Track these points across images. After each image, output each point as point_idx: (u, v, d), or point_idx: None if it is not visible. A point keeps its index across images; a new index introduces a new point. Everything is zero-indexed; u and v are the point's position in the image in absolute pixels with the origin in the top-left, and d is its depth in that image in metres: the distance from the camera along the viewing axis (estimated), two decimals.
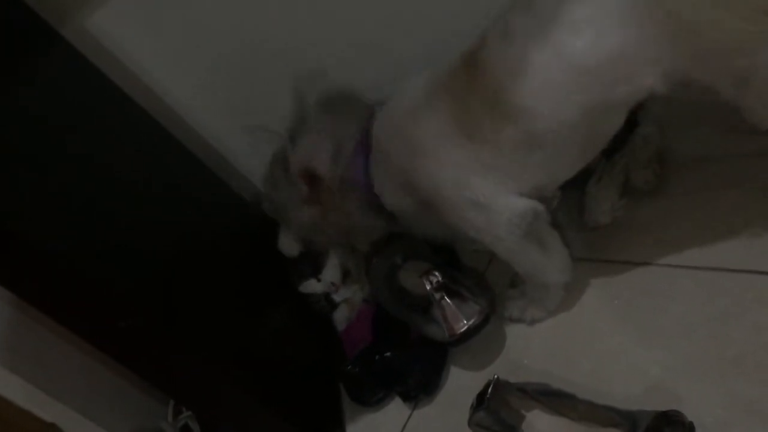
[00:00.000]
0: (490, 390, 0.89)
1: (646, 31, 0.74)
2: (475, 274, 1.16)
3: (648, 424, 0.74)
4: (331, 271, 1.26)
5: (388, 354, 1.08)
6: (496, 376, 0.90)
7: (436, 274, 1.03)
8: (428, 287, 1.02)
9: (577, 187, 1.07)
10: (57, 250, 0.77)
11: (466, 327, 0.99)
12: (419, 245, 1.14)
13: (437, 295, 1.02)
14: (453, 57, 0.90)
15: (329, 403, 1.12)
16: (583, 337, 0.94)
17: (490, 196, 0.88)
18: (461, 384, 1.02)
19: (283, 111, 1.26)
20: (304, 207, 1.03)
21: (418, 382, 1.04)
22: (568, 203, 1.09)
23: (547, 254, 0.95)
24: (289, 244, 1.14)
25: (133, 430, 1.13)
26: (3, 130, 0.84)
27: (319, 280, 1.25)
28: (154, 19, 1.17)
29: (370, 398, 1.09)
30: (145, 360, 0.88)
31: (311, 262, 1.25)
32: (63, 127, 0.94)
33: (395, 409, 1.07)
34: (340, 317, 1.25)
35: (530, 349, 0.99)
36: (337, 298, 1.27)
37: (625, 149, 1.05)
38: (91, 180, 0.92)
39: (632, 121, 1.05)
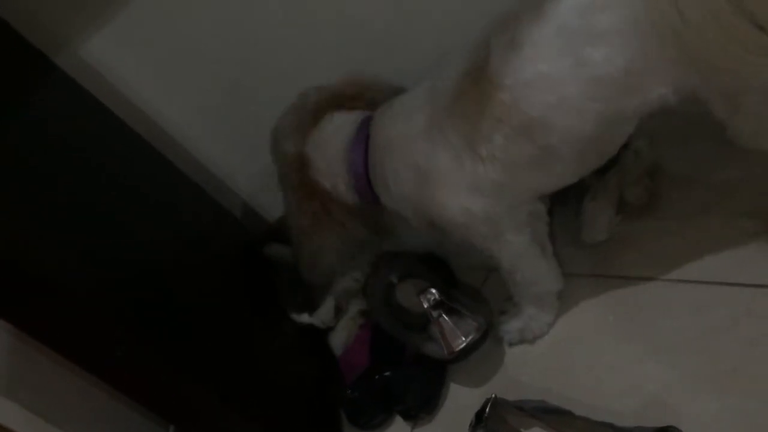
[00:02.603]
0: (488, 408, 0.89)
1: (660, 46, 0.74)
2: (472, 290, 1.17)
3: None
4: (324, 313, 1.25)
5: (387, 373, 1.08)
6: (494, 395, 0.91)
7: (433, 291, 1.03)
8: (425, 305, 1.02)
9: (572, 204, 1.09)
10: (54, 282, 0.78)
11: (464, 344, 1.00)
12: (415, 263, 1.15)
13: (434, 313, 1.02)
14: (452, 74, 0.87)
15: (329, 426, 1.12)
16: (580, 353, 0.95)
17: (500, 211, 0.89)
18: (460, 402, 1.03)
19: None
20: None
21: (418, 400, 1.04)
22: (565, 221, 1.09)
23: (547, 260, 0.97)
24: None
25: None
26: None
27: (310, 316, 1.24)
28: (147, 45, 1.18)
29: (370, 422, 1.08)
30: (143, 387, 0.89)
31: (306, 295, 1.25)
32: (58, 156, 0.95)
33: (395, 429, 1.07)
34: (337, 343, 1.24)
35: (528, 366, 0.99)
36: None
37: (617, 166, 1.06)
38: (87, 209, 0.93)
39: None
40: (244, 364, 1.03)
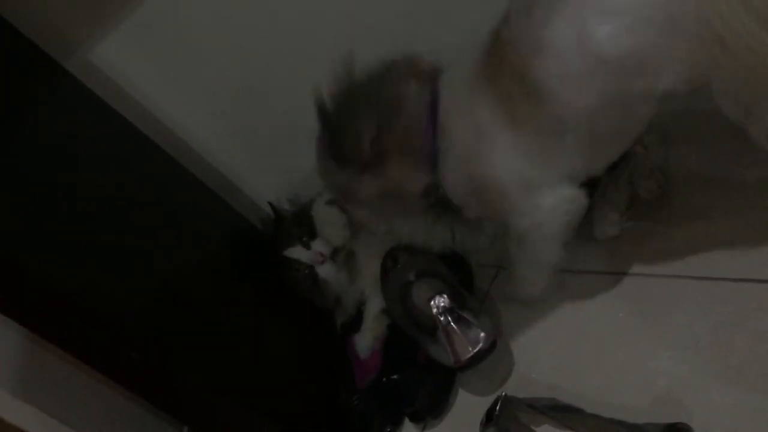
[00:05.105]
0: (498, 406, 0.89)
1: (677, 33, 0.72)
2: (483, 294, 1.16)
3: None
4: (322, 241, 1.20)
5: (395, 377, 1.08)
6: (504, 393, 0.91)
7: (444, 297, 1.02)
8: (434, 311, 1.01)
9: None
10: (71, 287, 0.79)
11: (471, 354, 0.98)
12: (434, 261, 1.13)
13: (443, 320, 1.00)
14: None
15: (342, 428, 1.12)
16: (590, 350, 0.95)
17: (538, 181, 0.87)
18: (470, 401, 1.03)
19: (286, 132, 1.29)
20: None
21: (426, 403, 1.04)
22: None
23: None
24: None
25: None
26: (11, 166, 0.85)
27: (308, 248, 1.19)
28: (157, 50, 1.19)
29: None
30: (158, 388, 0.90)
31: (305, 228, 1.21)
32: (70, 161, 0.96)
33: (405, 430, 1.08)
34: (364, 346, 1.18)
35: (538, 363, 0.99)
36: (320, 272, 1.20)
37: (629, 160, 1.05)
38: (101, 215, 0.93)
39: None
40: (259, 367, 1.04)
